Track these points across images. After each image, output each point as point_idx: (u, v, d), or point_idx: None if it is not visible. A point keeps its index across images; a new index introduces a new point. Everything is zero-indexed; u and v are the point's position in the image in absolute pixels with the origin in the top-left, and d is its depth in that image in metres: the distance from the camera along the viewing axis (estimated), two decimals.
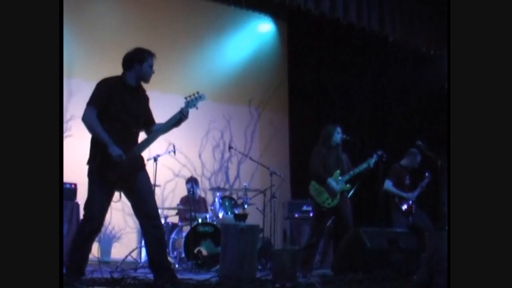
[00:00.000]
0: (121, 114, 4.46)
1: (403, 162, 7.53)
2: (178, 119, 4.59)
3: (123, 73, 4.60)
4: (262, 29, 10.57)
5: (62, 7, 2.97)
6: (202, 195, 8.73)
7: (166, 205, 8.56)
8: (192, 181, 8.03)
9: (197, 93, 4.69)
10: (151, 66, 4.60)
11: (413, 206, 7.27)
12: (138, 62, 4.56)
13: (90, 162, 4.43)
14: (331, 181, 6.34)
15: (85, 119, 4.41)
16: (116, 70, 4.63)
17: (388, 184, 7.33)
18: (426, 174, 7.49)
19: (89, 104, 4.43)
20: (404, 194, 7.31)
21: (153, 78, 4.74)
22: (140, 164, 4.56)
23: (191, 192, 7.57)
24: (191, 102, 4.65)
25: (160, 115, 4.81)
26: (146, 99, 4.73)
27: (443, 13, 8.46)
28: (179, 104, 4.69)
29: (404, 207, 7.28)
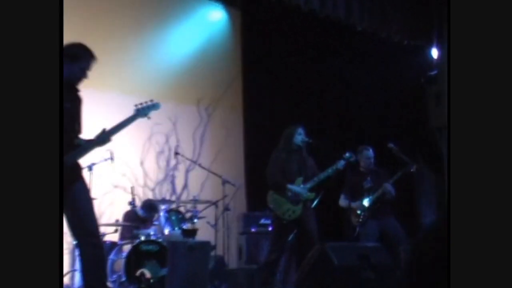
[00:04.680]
0: None
1: (360, 166, 7.58)
2: (100, 142, 4.53)
3: None
4: (212, 17, 10.56)
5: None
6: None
7: (104, 221, 8.45)
8: (146, 206, 8.00)
9: (151, 100, 4.67)
10: (82, 69, 4.53)
11: (362, 215, 7.25)
12: (68, 59, 4.47)
13: None
14: (292, 186, 6.37)
15: None
16: None
17: (340, 200, 7.39)
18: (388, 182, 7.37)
19: None
20: (352, 204, 7.31)
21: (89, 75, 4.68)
22: (75, 174, 4.49)
23: (132, 204, 7.51)
24: (142, 110, 4.63)
25: (96, 115, 4.76)
26: (79, 100, 4.64)
27: (420, 1, 8.61)
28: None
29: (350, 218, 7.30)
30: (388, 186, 7.24)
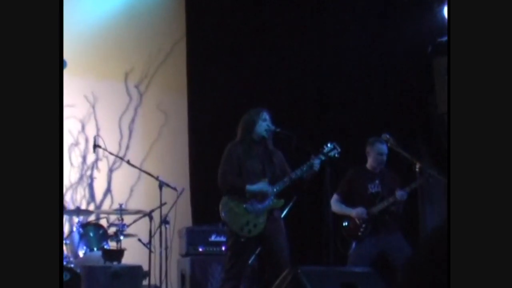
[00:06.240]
0: None
1: (368, 163, 7.59)
2: None
3: None
4: None
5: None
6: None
7: None
8: None
9: None
10: None
11: (363, 227, 7.27)
12: None
13: None
14: (252, 187, 6.34)
15: None
16: None
17: (332, 201, 7.38)
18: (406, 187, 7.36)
19: None
20: (349, 211, 7.33)
21: None
22: None
23: None
24: None
25: None
26: None
27: None
28: None
29: (346, 229, 7.32)
30: (404, 195, 7.22)
